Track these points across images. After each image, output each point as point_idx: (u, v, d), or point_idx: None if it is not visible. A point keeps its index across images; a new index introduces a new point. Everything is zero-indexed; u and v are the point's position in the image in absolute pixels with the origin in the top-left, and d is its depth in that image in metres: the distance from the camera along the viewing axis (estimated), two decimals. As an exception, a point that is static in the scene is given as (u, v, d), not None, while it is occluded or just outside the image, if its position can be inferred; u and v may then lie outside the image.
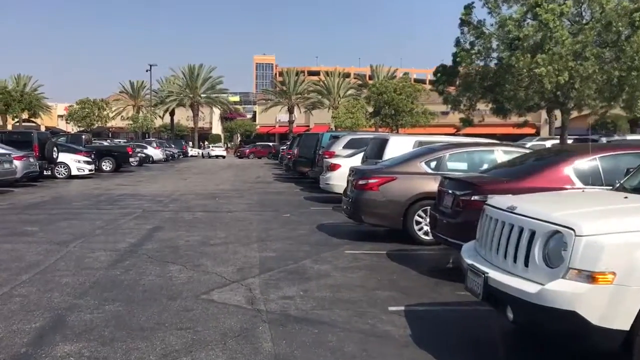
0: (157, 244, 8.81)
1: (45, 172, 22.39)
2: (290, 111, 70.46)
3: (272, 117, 76.87)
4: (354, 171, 9.65)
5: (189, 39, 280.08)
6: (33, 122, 73.77)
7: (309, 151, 22.30)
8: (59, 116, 77.16)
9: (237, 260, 7.62)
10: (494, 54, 17.86)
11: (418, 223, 8.87)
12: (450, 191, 6.97)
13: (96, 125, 59.08)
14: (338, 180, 14.36)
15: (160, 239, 9.28)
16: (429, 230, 8.18)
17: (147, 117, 62.49)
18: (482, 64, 17.96)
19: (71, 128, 62.38)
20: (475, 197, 6.37)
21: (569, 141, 17.76)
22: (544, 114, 33.82)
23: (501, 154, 9.21)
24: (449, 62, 20.34)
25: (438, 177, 8.79)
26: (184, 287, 6.13)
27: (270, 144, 65.40)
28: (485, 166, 9.31)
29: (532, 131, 53.72)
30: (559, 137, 20.97)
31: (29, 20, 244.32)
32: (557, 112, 36.50)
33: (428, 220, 8.83)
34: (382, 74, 64.10)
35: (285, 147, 34.60)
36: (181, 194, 17.61)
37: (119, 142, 46.83)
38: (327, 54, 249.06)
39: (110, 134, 72.82)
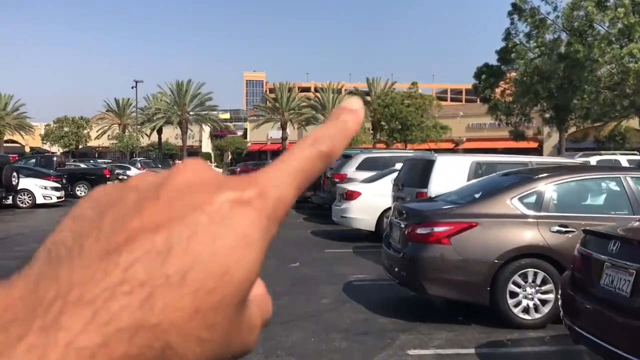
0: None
1: (4, 201, 19.46)
2: (283, 127, 67.32)
3: (263, 134, 73.69)
4: (404, 212, 6.34)
5: (177, 56, 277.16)
6: (17, 142, 70.24)
7: (312, 172, 19.20)
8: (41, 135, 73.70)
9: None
10: (562, 47, 14.36)
11: (514, 295, 5.66)
12: (615, 262, 3.78)
13: (79, 145, 55.72)
14: (359, 212, 11.23)
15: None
16: (562, 317, 4.97)
17: (132, 135, 59.09)
18: (542, 60, 14.44)
19: (56, 149, 58.70)
20: None
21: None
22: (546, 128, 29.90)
23: (631, 183, 6.06)
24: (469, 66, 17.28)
25: (542, 222, 5.67)
26: None
27: (263, 162, 62.37)
28: (606, 202, 6.18)
29: (534, 145, 50.11)
30: (606, 152, 17.66)
31: (11, 38, 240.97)
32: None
33: (540, 294, 5.66)
34: (379, 88, 61.08)
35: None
36: (159, 229, 14.30)
37: (102, 162, 43.55)
38: (317, 70, 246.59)
39: (97, 154, 69.36)
